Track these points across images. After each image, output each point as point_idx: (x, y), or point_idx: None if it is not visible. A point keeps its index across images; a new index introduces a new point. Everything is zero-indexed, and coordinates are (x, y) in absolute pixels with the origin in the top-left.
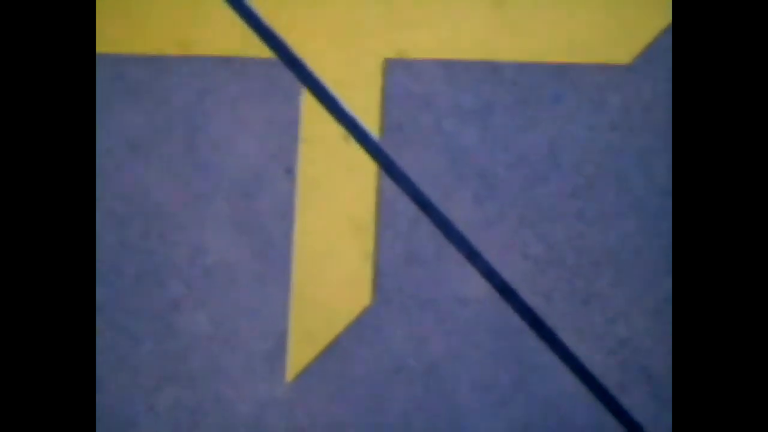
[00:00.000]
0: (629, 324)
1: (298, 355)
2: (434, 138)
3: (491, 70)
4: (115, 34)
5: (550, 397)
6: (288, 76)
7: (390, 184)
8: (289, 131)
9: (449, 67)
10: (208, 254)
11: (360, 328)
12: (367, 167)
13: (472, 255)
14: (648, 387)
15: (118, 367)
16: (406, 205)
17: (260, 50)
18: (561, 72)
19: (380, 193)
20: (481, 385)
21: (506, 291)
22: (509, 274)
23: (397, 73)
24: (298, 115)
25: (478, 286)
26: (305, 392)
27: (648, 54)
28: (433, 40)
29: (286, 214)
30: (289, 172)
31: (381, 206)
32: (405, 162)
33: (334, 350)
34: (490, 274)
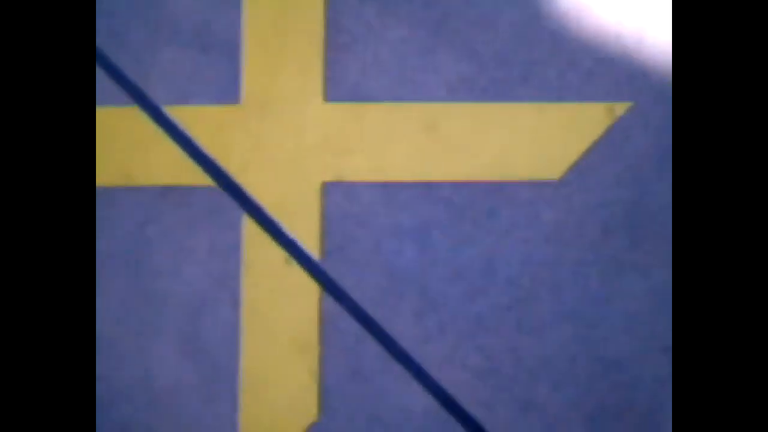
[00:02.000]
0: (568, 430)
1: None
2: (374, 257)
3: (427, 189)
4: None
5: None
6: (229, 203)
7: (333, 304)
8: (231, 257)
9: (386, 189)
10: (157, 380)
11: None
12: (309, 288)
13: (415, 369)
14: None
15: None
16: (349, 324)
17: (200, 178)
18: (494, 189)
19: (323, 312)
20: None
21: (448, 403)
22: (451, 385)
23: (336, 195)
24: (240, 240)
25: (421, 398)
26: None
27: (577, 168)
28: (369, 163)
29: (231, 338)
30: (233, 298)
31: (324, 325)
32: (346, 282)
33: None
34: (432, 387)
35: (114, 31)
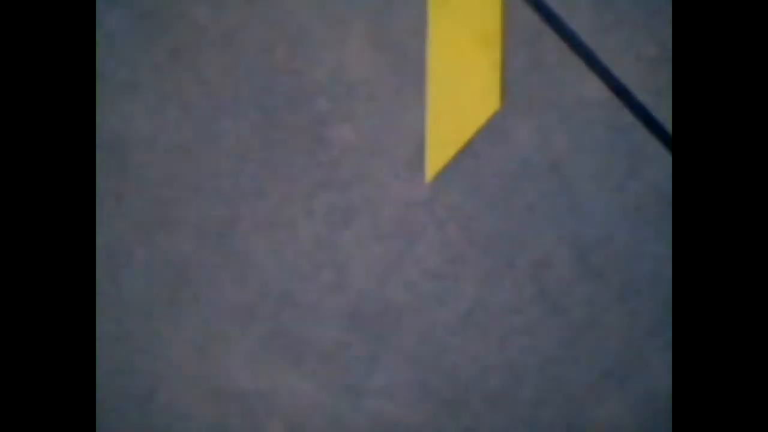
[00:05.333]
0: None
1: (436, 158)
2: None
3: None
4: None
5: (660, 182)
6: None
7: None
8: None
9: None
10: (350, 72)
11: (490, 130)
12: None
13: (591, 59)
14: None
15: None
16: (530, 17)
17: None
18: None
19: (506, 6)
20: (598, 175)
21: (621, 92)
22: (624, 74)
23: None
24: None
25: (596, 87)
26: (443, 190)
27: None
28: None
29: (419, 31)
30: None
31: (507, 19)
32: None
33: (467, 152)
34: (607, 76)
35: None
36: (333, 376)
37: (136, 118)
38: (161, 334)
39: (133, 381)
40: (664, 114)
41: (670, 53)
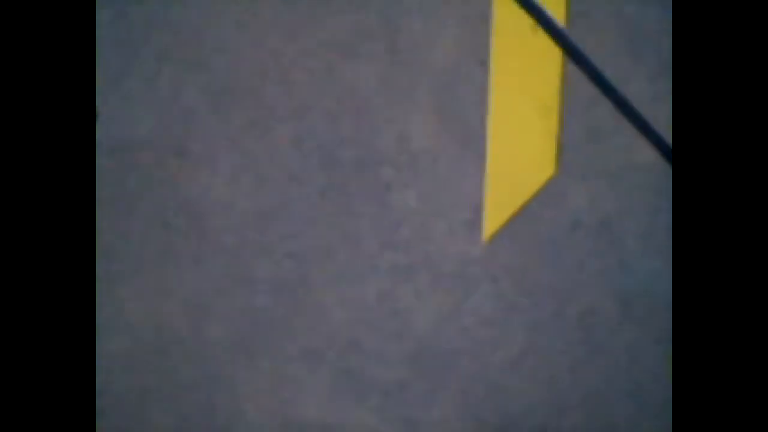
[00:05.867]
0: None
1: (493, 219)
2: (615, 21)
3: None
4: None
5: None
6: None
7: (573, 68)
8: (482, 26)
9: None
10: (413, 141)
11: (544, 195)
12: (553, 54)
13: (645, 128)
14: None
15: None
16: (587, 87)
17: None
18: None
19: (565, 77)
20: (644, 234)
21: (673, 157)
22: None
23: None
24: (490, 10)
25: (647, 154)
26: (498, 248)
27: None
28: None
29: (480, 101)
30: (483, 64)
31: (565, 88)
32: (587, 46)
33: (522, 214)
34: (659, 143)
35: None
36: (394, 410)
37: (214, 188)
38: (239, 376)
39: (214, 419)
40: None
41: None
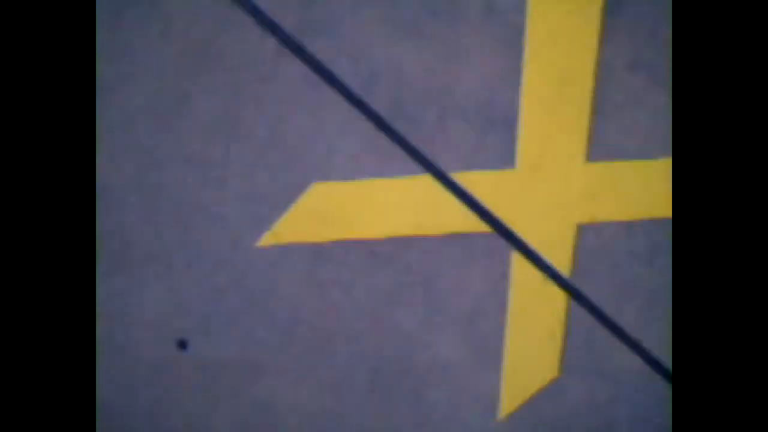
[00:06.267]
0: None
1: (503, 408)
2: (614, 273)
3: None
4: None
5: None
6: (502, 243)
7: (577, 307)
8: (501, 281)
9: (628, 224)
10: (430, 349)
11: (548, 392)
12: (559, 297)
13: (645, 356)
14: None
15: None
16: (588, 320)
17: (479, 226)
18: None
19: (570, 306)
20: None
21: (653, 362)
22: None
23: (588, 233)
24: (509, 267)
25: (630, 358)
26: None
27: None
28: (617, 208)
29: (499, 332)
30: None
31: (570, 322)
32: (587, 291)
33: (526, 408)
34: (663, 372)
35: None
36: None
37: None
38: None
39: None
40: None
41: None
